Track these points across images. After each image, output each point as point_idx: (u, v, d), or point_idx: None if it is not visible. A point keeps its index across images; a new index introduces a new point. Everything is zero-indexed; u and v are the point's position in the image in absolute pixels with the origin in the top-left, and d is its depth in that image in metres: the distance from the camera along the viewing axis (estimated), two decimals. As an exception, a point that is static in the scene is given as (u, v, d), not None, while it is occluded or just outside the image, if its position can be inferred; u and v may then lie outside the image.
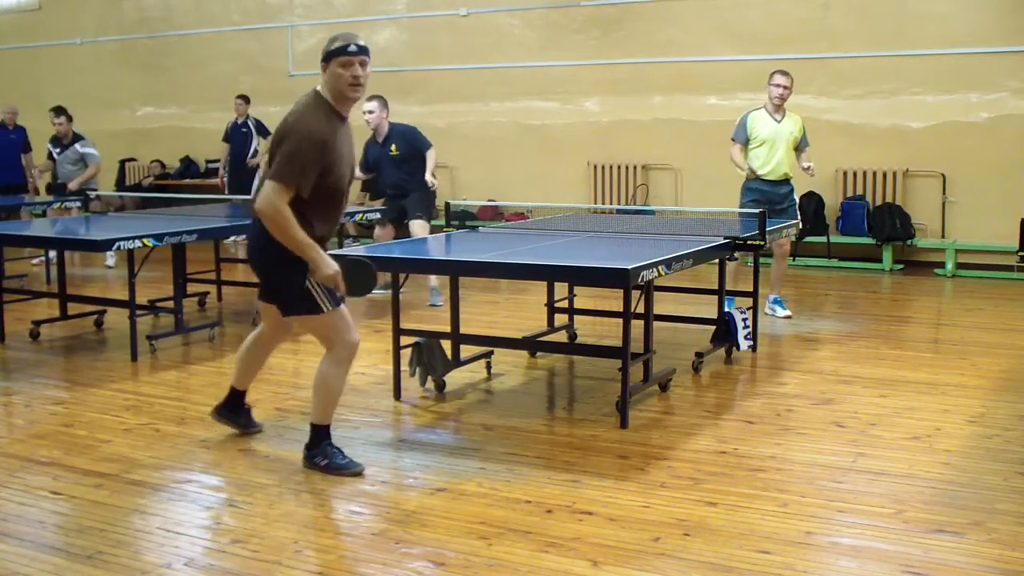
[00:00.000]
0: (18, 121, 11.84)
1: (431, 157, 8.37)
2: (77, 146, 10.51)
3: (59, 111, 10.57)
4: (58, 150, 10.57)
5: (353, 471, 4.11)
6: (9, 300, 7.15)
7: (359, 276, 4.00)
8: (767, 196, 7.17)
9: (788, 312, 7.45)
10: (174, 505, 3.82)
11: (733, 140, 7.37)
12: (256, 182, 13.67)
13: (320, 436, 4.17)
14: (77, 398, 5.39)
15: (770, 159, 7.22)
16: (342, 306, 4.10)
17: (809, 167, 7.24)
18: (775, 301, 7.50)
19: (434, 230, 8.03)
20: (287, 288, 4.03)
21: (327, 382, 4.10)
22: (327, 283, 3.93)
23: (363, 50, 3.96)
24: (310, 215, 3.94)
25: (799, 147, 7.34)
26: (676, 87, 11.00)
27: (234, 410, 4.63)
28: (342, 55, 3.93)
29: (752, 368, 6.00)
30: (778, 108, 7.28)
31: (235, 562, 3.27)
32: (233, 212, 8.41)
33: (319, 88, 4.03)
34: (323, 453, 4.15)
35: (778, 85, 7.24)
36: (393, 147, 8.22)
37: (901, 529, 3.49)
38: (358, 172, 7.89)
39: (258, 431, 4.66)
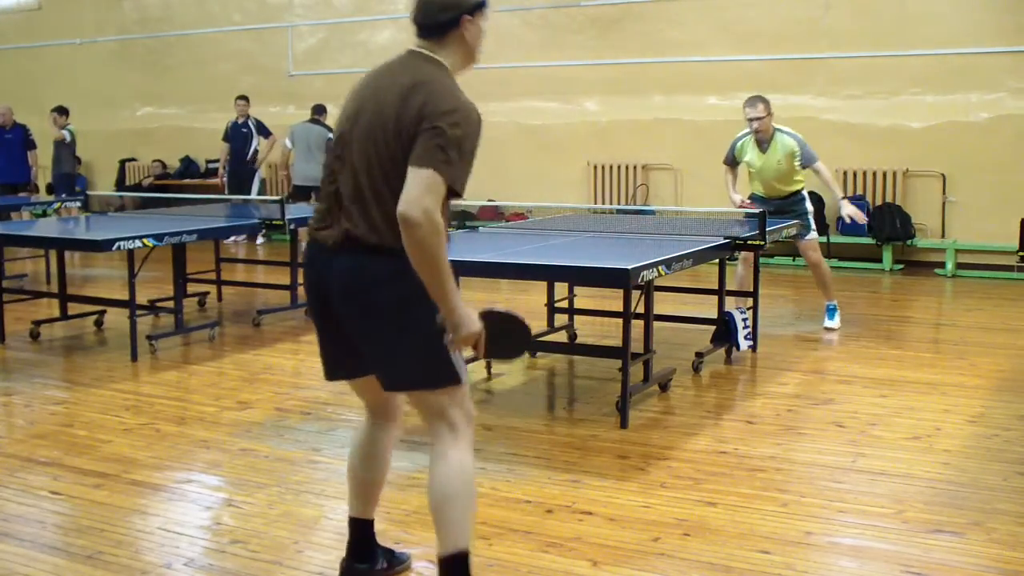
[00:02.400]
0: (16, 120, 11.86)
1: None
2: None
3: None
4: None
5: None
6: (9, 300, 7.15)
7: (510, 337, 2.82)
8: (773, 204, 6.88)
9: (832, 323, 7.00)
10: (174, 505, 3.82)
11: (724, 162, 7.09)
12: (256, 184, 13.72)
13: (467, 570, 2.81)
14: (77, 398, 5.39)
15: (761, 186, 6.97)
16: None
17: (850, 217, 6.84)
18: (829, 308, 7.06)
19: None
20: (423, 346, 2.73)
21: (464, 478, 2.75)
22: (466, 344, 2.71)
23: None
24: None
25: (804, 165, 6.80)
26: (676, 87, 11.00)
27: (364, 555, 3.15)
28: (487, 8, 2.87)
29: (752, 368, 6.00)
30: (763, 137, 6.79)
31: (235, 562, 3.27)
32: (233, 212, 8.41)
33: (438, 57, 2.79)
34: None
35: (750, 119, 6.76)
36: None
37: (901, 529, 3.49)
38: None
39: (405, 565, 3.26)
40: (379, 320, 2.74)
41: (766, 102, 6.80)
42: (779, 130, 6.85)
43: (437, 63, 2.79)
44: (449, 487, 2.74)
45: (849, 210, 6.88)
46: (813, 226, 7.01)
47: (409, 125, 2.64)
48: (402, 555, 3.29)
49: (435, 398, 2.78)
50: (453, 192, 2.61)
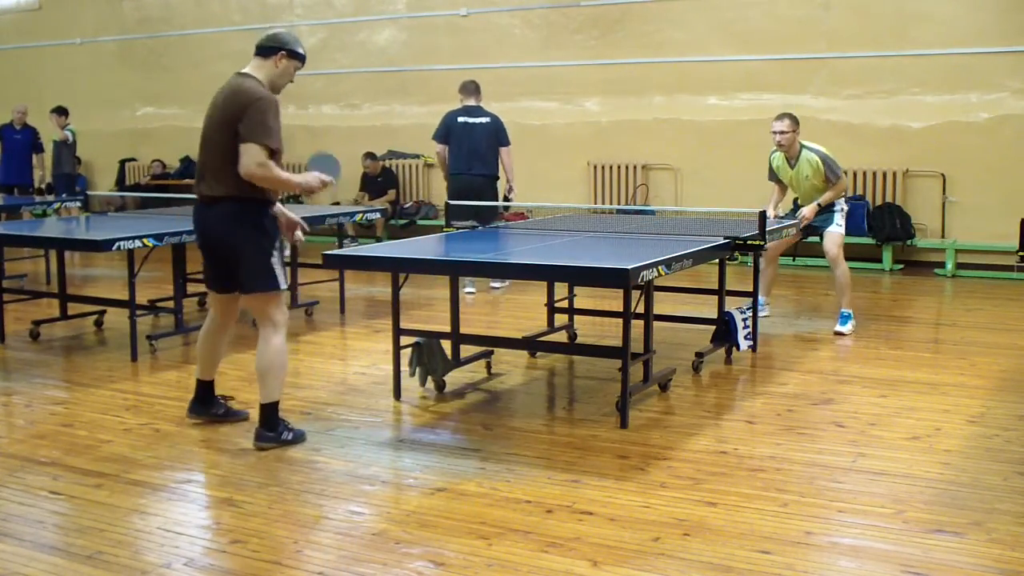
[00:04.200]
0: (28, 121, 11.87)
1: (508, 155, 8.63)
2: None
3: None
4: None
5: (303, 439, 4.49)
6: (9, 300, 7.15)
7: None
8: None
9: (842, 328, 6.86)
10: (174, 505, 3.82)
11: (769, 179, 7.26)
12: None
13: (276, 414, 4.44)
14: (77, 398, 5.39)
15: (800, 197, 7.15)
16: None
17: (803, 216, 6.90)
18: (842, 315, 6.92)
19: (434, 230, 8.04)
20: (254, 265, 4.34)
21: (274, 355, 4.37)
22: (318, 188, 4.50)
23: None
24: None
25: (828, 179, 6.91)
26: (676, 87, 11.00)
27: (205, 403, 4.80)
28: (303, 62, 4.51)
29: (752, 368, 6.00)
30: (789, 152, 6.95)
31: (235, 562, 3.27)
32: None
33: (250, 71, 4.42)
34: (281, 429, 4.45)
35: (774, 132, 6.89)
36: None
37: (901, 529, 3.49)
38: (438, 148, 8.69)
39: (243, 418, 4.79)
40: (231, 247, 4.39)
41: (793, 119, 6.92)
42: (805, 146, 6.98)
43: (247, 75, 4.39)
44: (267, 361, 4.35)
45: (804, 211, 6.95)
46: (838, 222, 7.02)
47: (231, 117, 4.29)
48: (240, 412, 4.83)
49: (263, 299, 4.37)
50: (272, 151, 4.25)
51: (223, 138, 4.29)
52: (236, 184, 4.27)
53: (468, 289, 8.42)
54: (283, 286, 4.43)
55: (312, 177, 4.48)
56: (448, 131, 8.58)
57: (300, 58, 4.47)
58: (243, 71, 4.41)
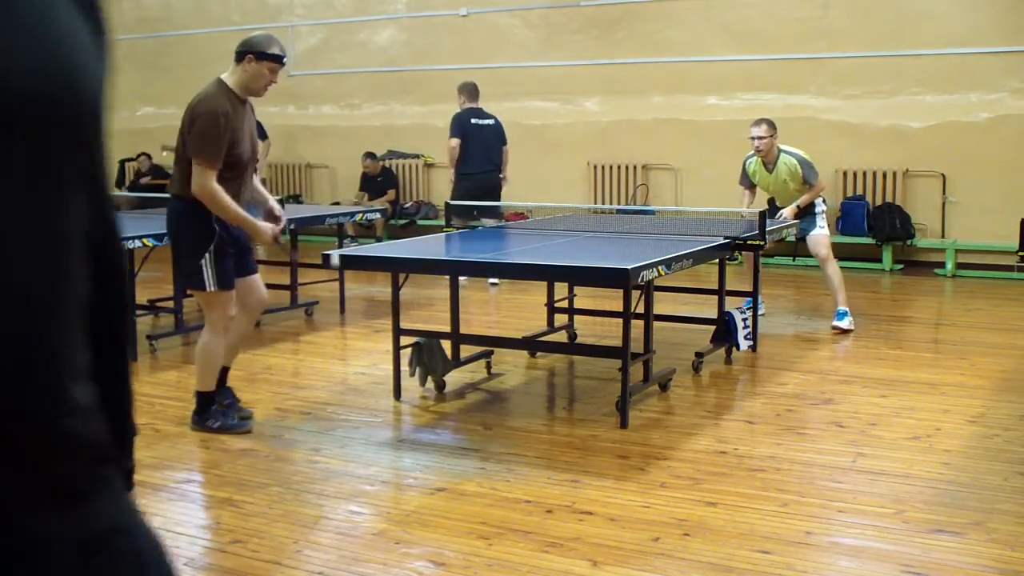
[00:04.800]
0: None
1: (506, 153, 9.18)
2: None
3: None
4: None
5: (243, 430, 4.62)
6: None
7: None
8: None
9: (840, 323, 6.85)
10: (174, 505, 3.82)
11: (740, 184, 7.29)
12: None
13: (207, 402, 4.64)
14: (77, 398, 5.38)
15: (779, 200, 7.14)
16: (230, 290, 4.53)
17: (788, 215, 6.87)
18: (838, 312, 6.92)
19: (434, 230, 8.04)
20: (186, 265, 4.53)
21: (207, 351, 4.54)
22: (268, 240, 4.56)
23: (285, 63, 4.62)
24: (224, 184, 4.38)
25: (806, 182, 6.90)
26: (676, 87, 11.00)
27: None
28: (276, 62, 4.48)
29: (752, 368, 6.00)
30: (766, 157, 6.95)
31: (235, 562, 3.27)
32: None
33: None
34: (212, 416, 4.63)
35: (752, 138, 6.90)
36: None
37: (901, 529, 3.49)
38: (453, 143, 8.96)
39: (247, 416, 4.81)
40: (172, 243, 4.72)
41: (771, 124, 6.95)
42: (783, 150, 6.98)
43: (217, 81, 4.46)
44: (197, 354, 4.58)
45: (784, 212, 6.94)
46: (820, 224, 7.05)
47: (185, 127, 4.41)
48: (244, 411, 4.81)
49: (200, 297, 4.57)
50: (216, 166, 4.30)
51: (180, 141, 4.48)
52: (180, 184, 4.44)
53: (492, 280, 8.76)
54: (208, 288, 4.43)
55: (267, 227, 4.52)
56: (464, 131, 9.04)
57: (272, 58, 4.46)
58: (222, 76, 4.52)
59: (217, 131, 4.29)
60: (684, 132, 10.89)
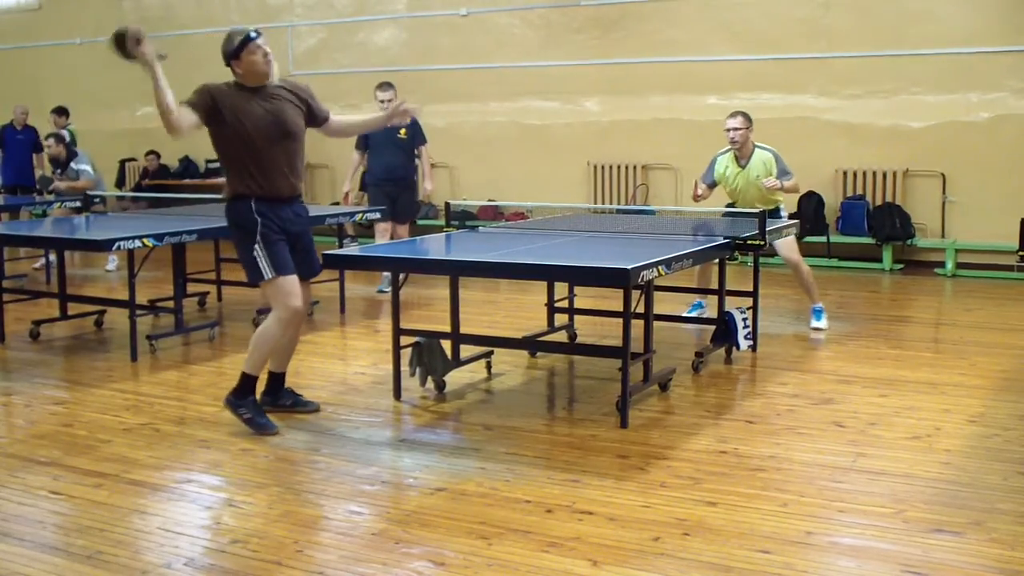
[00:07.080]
0: (28, 121, 11.86)
1: (426, 154, 8.71)
2: (72, 164, 10.06)
3: (51, 136, 10.22)
4: (59, 171, 10.18)
5: (269, 431, 4.59)
6: (9, 300, 7.15)
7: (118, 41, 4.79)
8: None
9: (819, 324, 6.97)
10: (174, 505, 3.82)
11: (701, 179, 7.12)
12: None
13: (248, 387, 4.64)
14: (77, 398, 5.39)
15: (741, 202, 7.01)
16: (288, 276, 4.55)
17: (771, 184, 6.75)
18: (815, 311, 7.03)
19: (434, 230, 8.04)
20: (244, 261, 4.57)
21: (264, 336, 4.57)
22: (141, 41, 4.79)
23: (259, 33, 4.67)
24: (253, 171, 4.56)
25: (783, 175, 6.85)
26: (676, 87, 11.00)
27: (274, 394, 4.93)
28: (248, 43, 4.60)
29: (752, 368, 6.00)
30: (741, 151, 6.89)
31: (235, 562, 3.27)
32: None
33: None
34: (248, 406, 4.63)
35: (727, 129, 6.86)
36: (403, 131, 8.25)
37: (901, 529, 3.49)
38: (355, 156, 8.73)
39: (314, 410, 4.96)
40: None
41: (747, 116, 6.90)
42: (758, 146, 6.94)
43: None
44: (255, 337, 4.59)
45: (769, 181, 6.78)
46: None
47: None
48: (310, 403, 4.99)
49: (262, 289, 4.64)
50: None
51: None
52: (225, 187, 4.70)
53: (381, 287, 8.61)
54: (267, 275, 4.52)
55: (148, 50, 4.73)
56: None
57: (244, 47, 4.62)
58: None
59: (198, 93, 4.66)
60: (684, 132, 10.89)
